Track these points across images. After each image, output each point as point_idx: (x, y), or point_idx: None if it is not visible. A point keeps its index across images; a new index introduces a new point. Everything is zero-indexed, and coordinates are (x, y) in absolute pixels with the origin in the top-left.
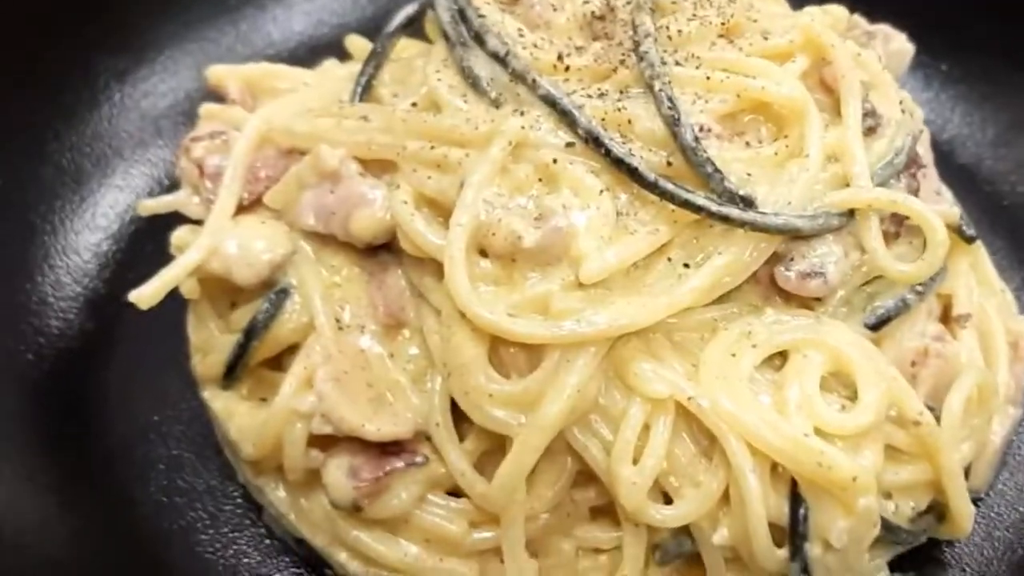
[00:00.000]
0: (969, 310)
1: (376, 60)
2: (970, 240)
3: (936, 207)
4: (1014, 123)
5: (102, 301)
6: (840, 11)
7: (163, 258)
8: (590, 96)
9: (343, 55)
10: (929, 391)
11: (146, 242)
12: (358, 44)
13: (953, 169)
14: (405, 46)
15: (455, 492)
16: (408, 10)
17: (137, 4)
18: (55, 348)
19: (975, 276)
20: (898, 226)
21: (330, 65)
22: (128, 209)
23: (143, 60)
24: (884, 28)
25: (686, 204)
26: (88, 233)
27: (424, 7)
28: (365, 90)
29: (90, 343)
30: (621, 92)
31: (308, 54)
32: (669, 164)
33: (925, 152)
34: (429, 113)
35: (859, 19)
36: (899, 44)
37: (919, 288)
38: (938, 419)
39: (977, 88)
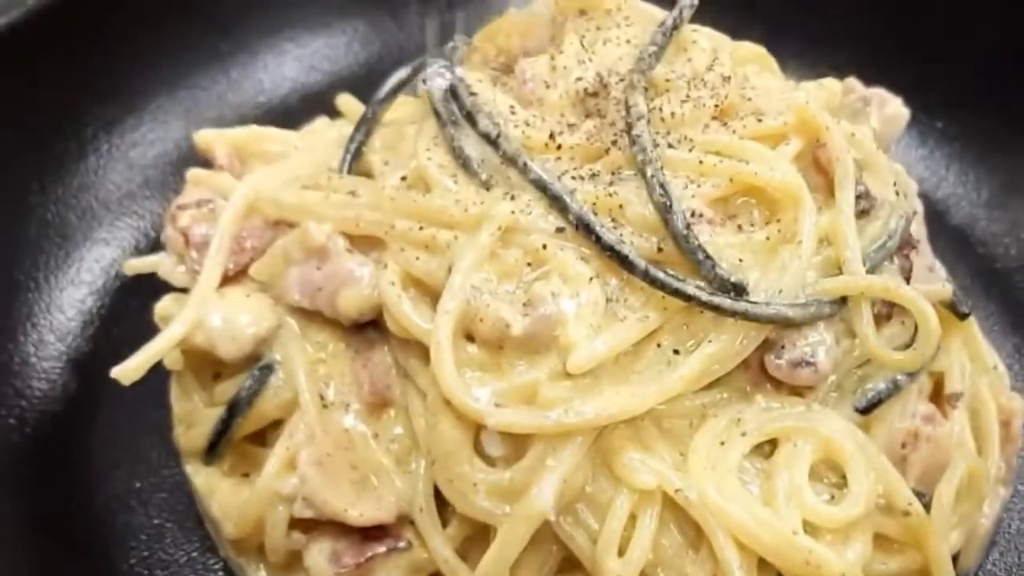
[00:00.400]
0: (961, 389)
1: (366, 126)
2: (963, 316)
3: (929, 287)
4: (1008, 184)
5: (86, 360)
6: (835, 85)
7: (148, 315)
8: (582, 178)
9: (334, 107)
10: (919, 475)
11: (131, 298)
12: (349, 104)
13: (947, 230)
14: (398, 103)
15: None
16: (399, 75)
17: (126, 52)
18: (37, 411)
19: (967, 352)
20: (890, 307)
21: (320, 125)
22: (114, 264)
23: (132, 109)
24: (880, 92)
25: (676, 292)
26: (72, 289)
27: (415, 72)
28: (355, 157)
29: (73, 405)
30: (613, 174)
31: (300, 102)
32: (660, 250)
33: (918, 229)
34: (418, 192)
35: (855, 82)
36: (895, 108)
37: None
38: (928, 506)
39: (972, 147)
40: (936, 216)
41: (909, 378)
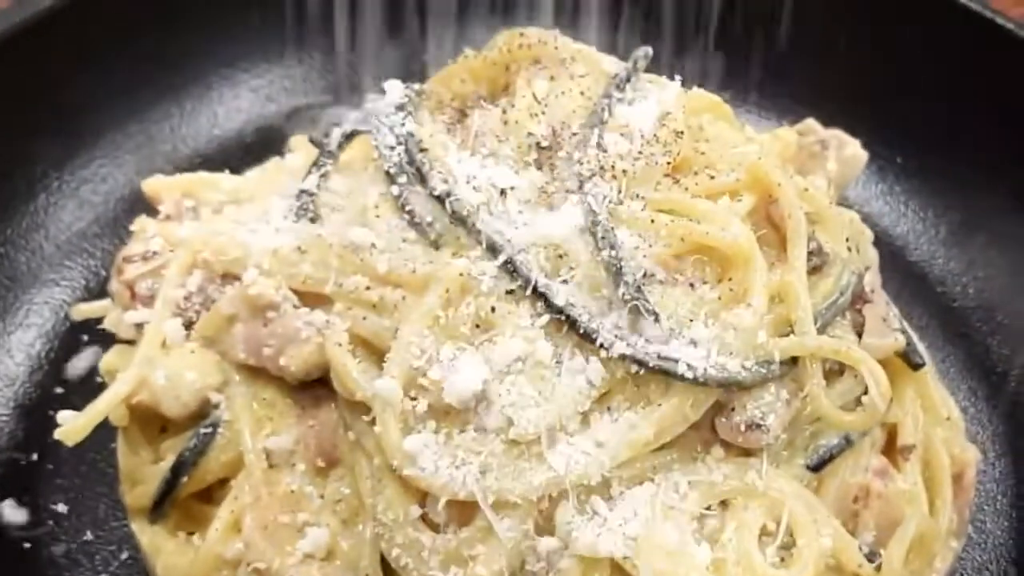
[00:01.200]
0: (914, 441)
1: (317, 174)
2: (917, 367)
3: (882, 341)
4: (966, 221)
5: (33, 407)
6: (789, 135)
7: (97, 359)
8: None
9: (287, 139)
10: (871, 531)
11: (81, 341)
12: (302, 144)
13: (905, 268)
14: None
15: None
16: (346, 128)
17: (76, 87)
18: None
19: (921, 403)
20: (840, 364)
21: (272, 166)
22: (63, 306)
23: (83, 145)
24: (838, 134)
25: (626, 357)
26: (21, 333)
27: (365, 120)
28: (304, 206)
29: (21, 451)
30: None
31: (255, 133)
32: (611, 308)
33: (873, 279)
34: (366, 251)
35: (813, 124)
36: (853, 151)
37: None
38: (879, 567)
39: (931, 183)
40: (896, 252)
41: (861, 433)
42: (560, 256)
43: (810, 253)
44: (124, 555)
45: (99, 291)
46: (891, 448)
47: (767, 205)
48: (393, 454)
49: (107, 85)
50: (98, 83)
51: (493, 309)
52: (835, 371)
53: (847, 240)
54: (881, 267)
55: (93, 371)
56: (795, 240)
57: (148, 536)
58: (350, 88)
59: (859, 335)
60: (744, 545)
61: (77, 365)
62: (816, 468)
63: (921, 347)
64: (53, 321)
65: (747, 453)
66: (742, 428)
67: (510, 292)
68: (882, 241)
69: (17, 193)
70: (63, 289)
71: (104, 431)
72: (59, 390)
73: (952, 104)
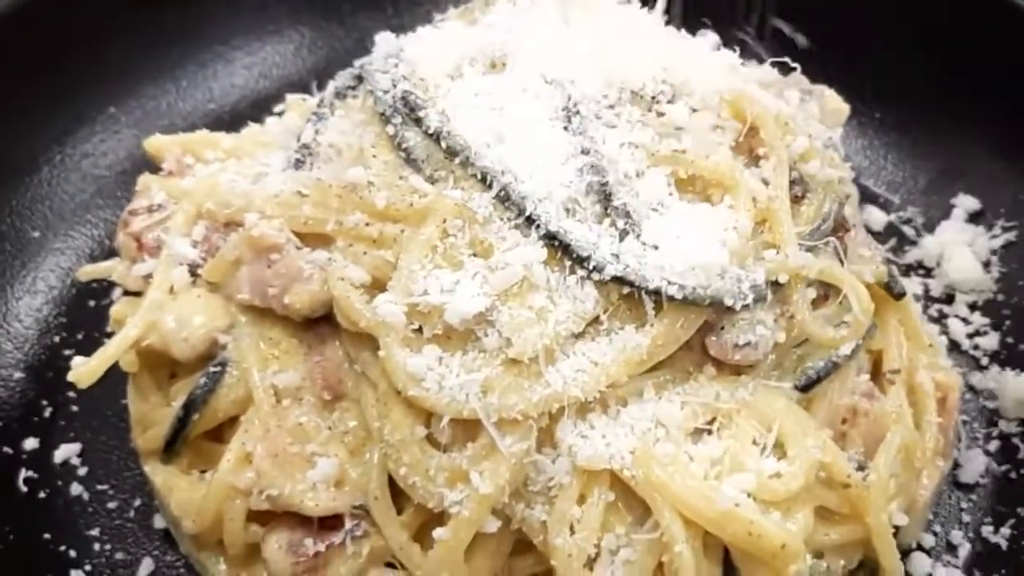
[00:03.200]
0: (898, 366)
1: (315, 123)
2: (899, 296)
3: (863, 267)
4: (944, 171)
5: (43, 367)
6: (773, 73)
7: (103, 322)
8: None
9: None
10: (859, 449)
11: (87, 305)
12: (298, 104)
13: (884, 217)
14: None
15: (395, 564)
16: (347, 74)
17: (77, 64)
18: None
19: (904, 331)
20: (826, 289)
21: (270, 123)
22: (69, 272)
23: (84, 120)
24: (822, 88)
25: (617, 280)
26: (29, 298)
27: (360, 76)
28: (303, 156)
29: (32, 411)
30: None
31: (249, 108)
32: (603, 232)
33: (853, 213)
34: (365, 189)
35: (799, 77)
36: (836, 104)
37: (849, 350)
38: (867, 477)
39: (909, 135)
40: (876, 202)
41: (847, 356)
42: (555, 183)
43: (792, 182)
44: (137, 502)
45: (103, 257)
46: (877, 374)
47: (749, 138)
48: (398, 376)
49: (106, 62)
50: (98, 60)
51: (489, 236)
52: (820, 297)
53: (829, 170)
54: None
55: (99, 334)
56: (778, 168)
57: (161, 476)
58: (343, 62)
59: (841, 263)
60: (738, 457)
61: (84, 329)
62: (804, 389)
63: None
64: (60, 288)
65: (737, 373)
66: (732, 346)
67: (505, 219)
68: (864, 194)
69: (22, 166)
70: (68, 257)
71: (114, 385)
72: (68, 351)
73: (927, 59)
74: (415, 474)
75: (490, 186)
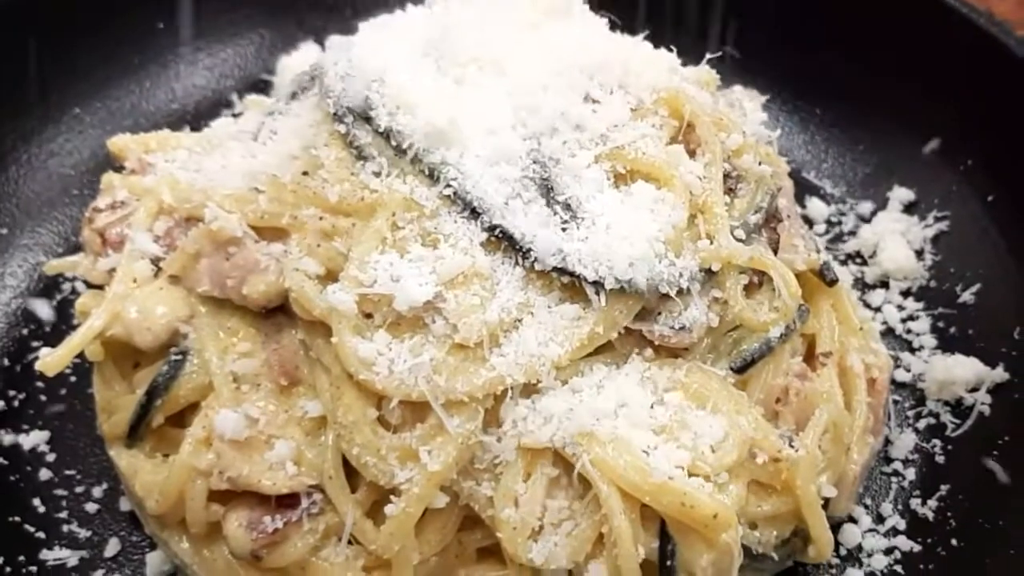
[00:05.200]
0: (830, 348)
1: (268, 126)
2: (831, 283)
3: (797, 256)
4: (881, 164)
5: (12, 359)
6: (710, 73)
7: (70, 315)
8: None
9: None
10: (792, 427)
11: (53, 299)
12: (256, 103)
13: (825, 208)
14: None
15: (349, 540)
16: (299, 80)
17: (43, 66)
18: None
19: (836, 316)
20: (760, 276)
21: (224, 123)
22: (36, 267)
23: (48, 120)
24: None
25: (558, 269)
26: None
27: (315, 75)
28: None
29: (1, 400)
30: None
31: (211, 107)
32: (545, 222)
33: (788, 204)
34: (318, 183)
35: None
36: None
37: (780, 332)
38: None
39: (848, 131)
40: (817, 194)
41: (779, 339)
42: (499, 177)
43: (726, 176)
44: (103, 486)
45: (69, 252)
46: (810, 356)
47: (686, 134)
48: (350, 361)
49: (71, 64)
50: (63, 63)
51: (436, 228)
52: (754, 284)
53: (760, 163)
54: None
55: (65, 327)
56: (712, 162)
57: (126, 459)
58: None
59: (775, 251)
60: (672, 433)
61: (49, 323)
62: (740, 371)
63: (836, 266)
64: (27, 282)
65: (674, 356)
66: (668, 330)
67: (450, 211)
68: (806, 186)
69: None
70: (35, 253)
71: (80, 377)
72: (36, 343)
73: (868, 58)
74: (367, 454)
75: (437, 181)
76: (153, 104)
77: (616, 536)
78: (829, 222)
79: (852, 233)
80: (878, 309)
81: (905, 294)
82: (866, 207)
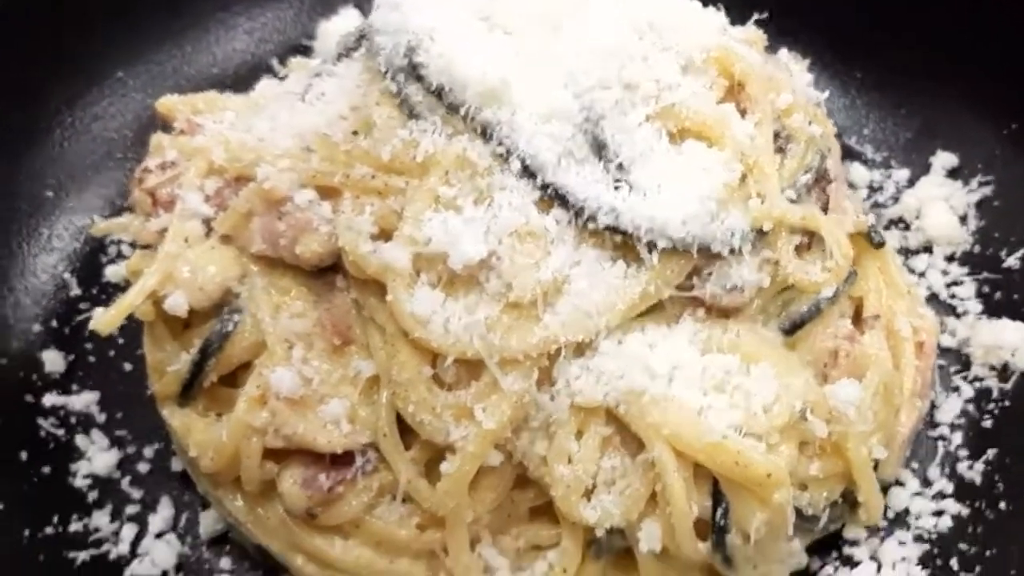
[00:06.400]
0: (878, 311)
1: (316, 85)
2: (878, 246)
3: (845, 218)
4: (924, 128)
5: (61, 321)
6: (758, 32)
7: (118, 279)
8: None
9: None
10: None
11: (100, 263)
12: (300, 64)
13: (867, 174)
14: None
15: (403, 498)
16: (346, 39)
17: (85, 31)
18: (16, 367)
19: (883, 279)
20: (809, 238)
21: (269, 84)
22: (83, 231)
23: (92, 85)
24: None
25: (611, 228)
26: (45, 256)
27: (362, 35)
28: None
29: (50, 362)
30: None
31: (251, 71)
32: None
33: (835, 166)
34: (371, 142)
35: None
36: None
37: (830, 294)
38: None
39: (890, 95)
40: (859, 161)
41: (829, 300)
42: (552, 135)
43: (776, 135)
44: (155, 446)
45: (115, 215)
46: (858, 320)
47: (736, 94)
48: (404, 319)
49: (113, 31)
50: (106, 29)
51: (489, 185)
52: (803, 246)
53: (810, 123)
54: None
55: (112, 290)
56: (762, 121)
57: (179, 418)
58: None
59: (824, 213)
60: (725, 392)
61: (98, 286)
62: (789, 332)
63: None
64: (74, 246)
65: (725, 316)
66: (719, 290)
67: (505, 169)
68: (847, 152)
69: (34, 130)
70: (81, 217)
71: (130, 338)
72: (84, 306)
73: (908, 20)
74: (422, 412)
75: (490, 139)
76: (194, 68)
77: (669, 494)
78: (871, 187)
79: (894, 199)
80: (922, 275)
81: (949, 259)
82: (908, 173)
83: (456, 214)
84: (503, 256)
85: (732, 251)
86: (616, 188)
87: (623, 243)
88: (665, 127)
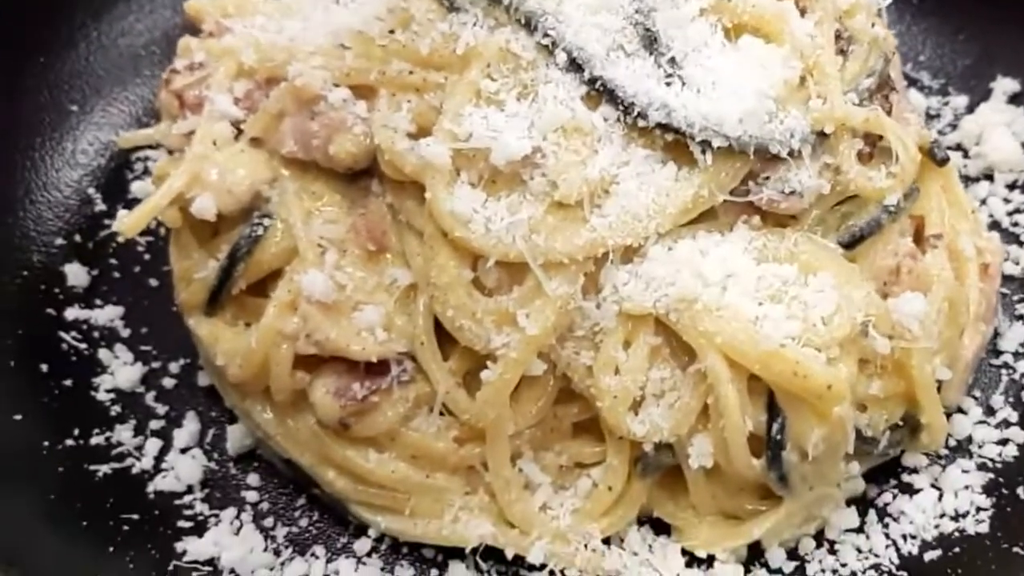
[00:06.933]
0: (940, 230)
1: None
2: (942, 163)
3: (909, 129)
4: (983, 56)
5: (85, 236)
6: None
7: (142, 194)
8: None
9: None
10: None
11: (125, 178)
12: None
13: (923, 101)
14: None
15: (441, 410)
16: None
17: None
18: (38, 280)
19: (946, 198)
20: (871, 147)
21: None
22: (108, 146)
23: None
24: None
25: (662, 126)
26: (68, 170)
27: None
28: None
29: (73, 276)
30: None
31: None
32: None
33: (897, 76)
34: (408, 36)
35: None
36: None
37: (891, 208)
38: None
39: (949, 21)
40: (915, 87)
41: (890, 216)
42: (599, 28)
43: (838, 37)
44: (180, 362)
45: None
46: (919, 240)
47: None
48: (444, 218)
49: None
50: None
51: (533, 80)
52: (864, 154)
53: (873, 26)
54: None
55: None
56: (823, 19)
57: (206, 327)
58: None
59: None
60: (783, 301)
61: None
62: (849, 246)
63: None
64: (99, 161)
65: (782, 225)
66: (777, 194)
67: (549, 62)
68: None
69: (58, 43)
70: (105, 132)
71: (153, 256)
72: (108, 221)
73: None
74: (462, 317)
75: (535, 30)
76: None
77: (723, 407)
78: (928, 114)
79: (952, 126)
80: (983, 202)
81: (1011, 187)
82: (967, 99)
83: (498, 109)
84: (548, 153)
85: (791, 154)
86: (668, 84)
87: (675, 143)
88: (720, 21)
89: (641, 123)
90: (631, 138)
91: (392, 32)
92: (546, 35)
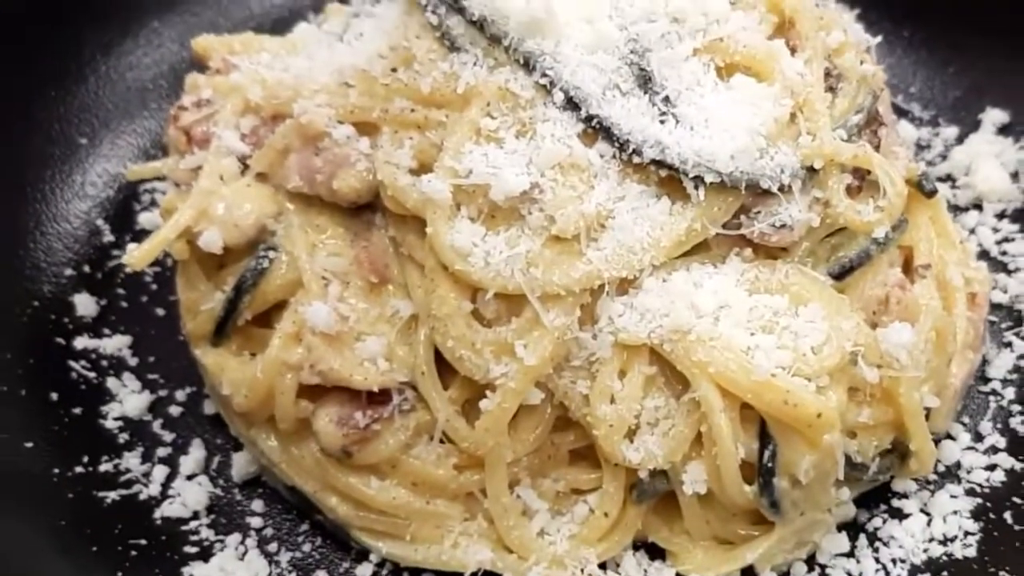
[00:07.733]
0: (928, 260)
1: (354, 25)
2: (930, 195)
3: (897, 163)
4: (973, 86)
5: (93, 267)
6: None
7: (149, 226)
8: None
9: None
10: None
11: (133, 209)
12: (336, 10)
13: (914, 132)
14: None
15: (441, 437)
16: None
17: None
18: (48, 310)
19: (934, 228)
20: (860, 181)
21: (307, 27)
22: (116, 178)
23: (127, 33)
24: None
25: (656, 163)
26: (78, 201)
27: None
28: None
29: (82, 306)
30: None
31: (287, 21)
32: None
33: (886, 111)
34: (410, 75)
35: None
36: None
37: (880, 240)
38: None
39: (939, 53)
40: (906, 119)
41: (880, 245)
42: (596, 68)
43: (827, 74)
44: (187, 390)
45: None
46: (908, 270)
47: (786, 32)
48: (444, 252)
49: None
50: None
51: (531, 118)
52: (853, 188)
53: (862, 63)
54: None
55: (147, 233)
56: (813, 58)
57: (212, 357)
58: None
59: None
60: (773, 332)
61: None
62: (838, 277)
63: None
64: (107, 193)
65: (773, 257)
66: (768, 228)
67: (547, 102)
68: (893, 110)
69: (69, 77)
70: (114, 164)
71: (161, 285)
72: (117, 252)
73: None
74: (462, 347)
75: (533, 70)
76: (230, 19)
77: (715, 435)
78: (918, 145)
79: (942, 156)
80: (972, 231)
81: (1000, 216)
82: (957, 130)
83: (498, 146)
84: (546, 188)
85: (782, 189)
86: (662, 122)
87: (668, 178)
88: (713, 61)
89: (636, 160)
90: (626, 174)
91: (395, 71)
92: (544, 75)
